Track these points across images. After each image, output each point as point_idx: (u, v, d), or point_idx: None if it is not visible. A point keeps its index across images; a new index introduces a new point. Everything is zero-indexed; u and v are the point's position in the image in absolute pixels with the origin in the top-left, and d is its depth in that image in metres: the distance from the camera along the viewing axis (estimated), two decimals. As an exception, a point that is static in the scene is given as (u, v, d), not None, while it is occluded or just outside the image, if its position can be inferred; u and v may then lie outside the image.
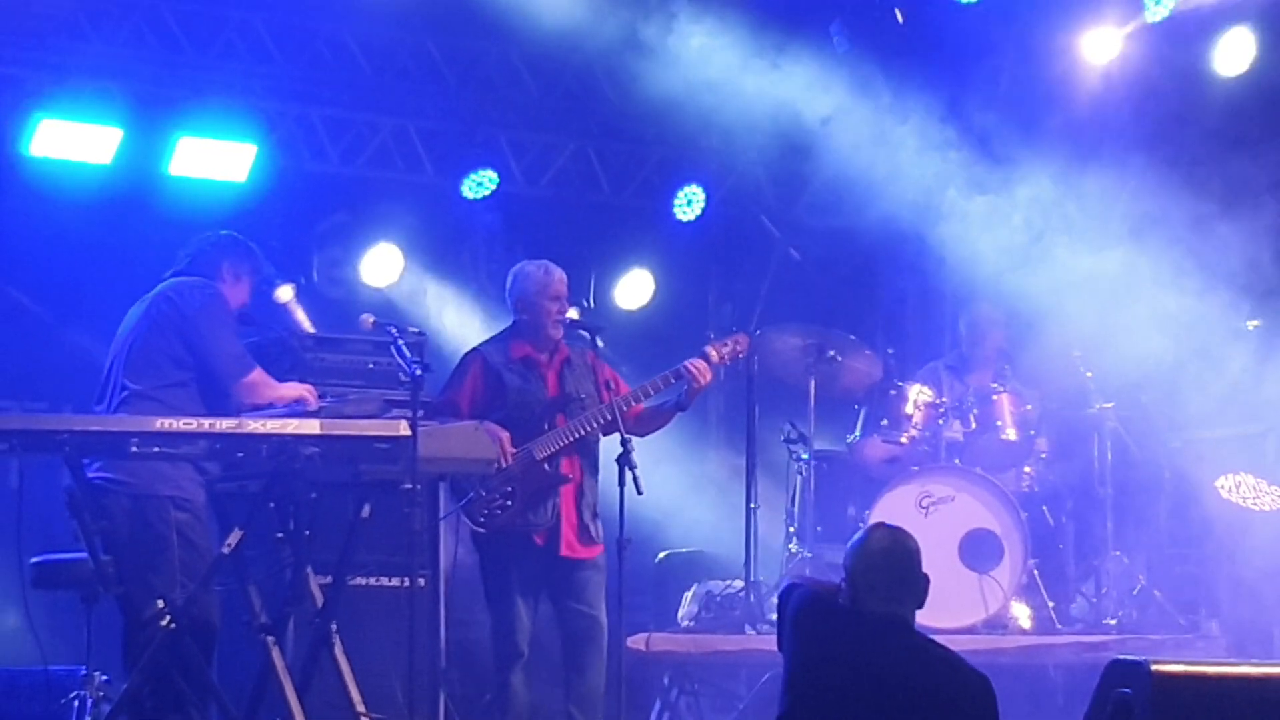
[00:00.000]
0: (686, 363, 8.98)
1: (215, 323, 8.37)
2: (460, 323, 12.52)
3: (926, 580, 5.82)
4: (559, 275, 9.04)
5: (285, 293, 9.70)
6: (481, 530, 8.78)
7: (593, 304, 13.00)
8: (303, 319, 9.73)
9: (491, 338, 9.23)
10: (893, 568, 5.76)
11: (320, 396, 8.53)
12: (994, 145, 11.69)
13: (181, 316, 8.34)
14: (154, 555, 8.05)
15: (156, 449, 7.65)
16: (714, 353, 9.20)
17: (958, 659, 5.69)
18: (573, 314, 9.06)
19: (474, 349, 9.17)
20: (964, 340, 11.68)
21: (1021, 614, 10.66)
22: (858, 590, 5.74)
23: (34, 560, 8.20)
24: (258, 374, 8.35)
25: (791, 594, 5.99)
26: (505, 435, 8.64)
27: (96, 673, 8.20)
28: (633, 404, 8.93)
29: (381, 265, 12.53)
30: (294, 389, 8.36)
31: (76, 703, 8.27)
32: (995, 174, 11.71)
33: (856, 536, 5.90)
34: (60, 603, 8.58)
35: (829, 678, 5.62)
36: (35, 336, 11.07)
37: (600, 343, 8.99)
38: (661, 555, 11.85)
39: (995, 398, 10.98)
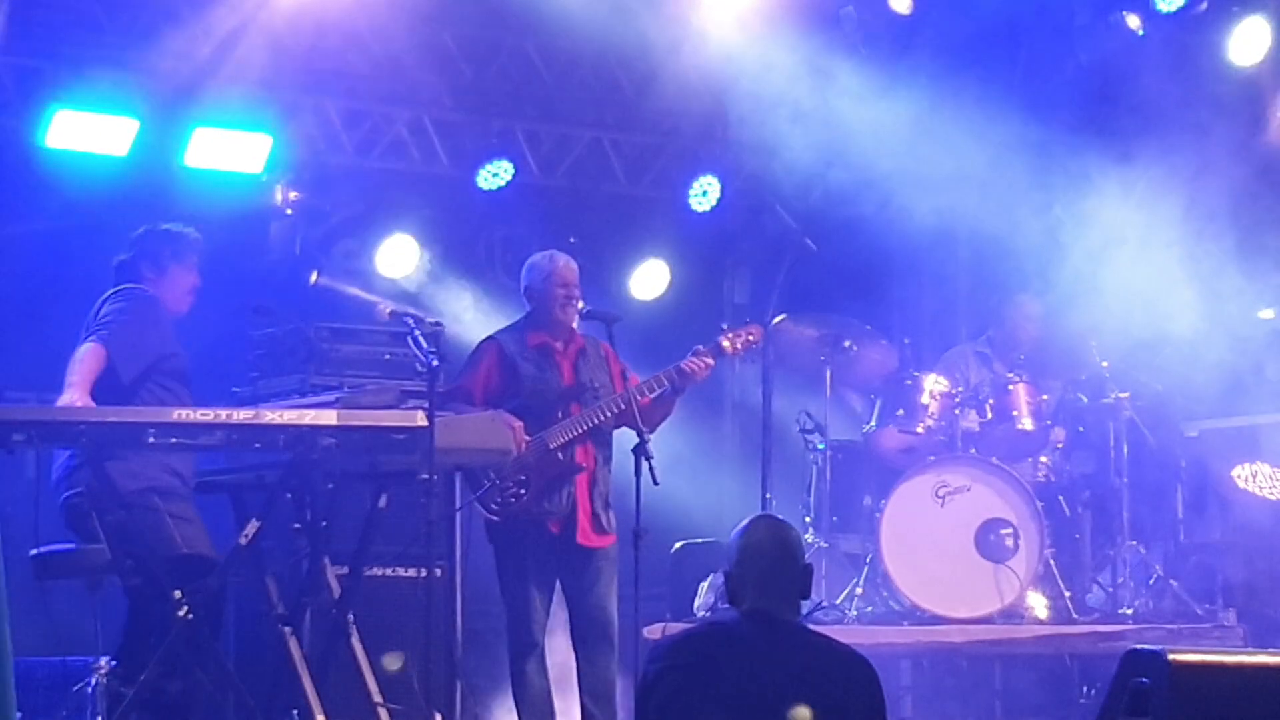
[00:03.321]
0: (685, 364, 8.95)
1: (123, 307, 8.39)
2: (476, 313, 12.51)
3: (808, 571, 5.71)
4: (563, 262, 9.03)
5: (313, 276, 9.71)
6: (495, 519, 8.79)
7: (613, 289, 13.03)
8: (358, 293, 9.71)
9: (508, 326, 9.23)
10: (769, 561, 5.67)
11: (336, 387, 8.54)
12: (1007, 133, 11.68)
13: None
14: (158, 542, 8.04)
15: (173, 440, 7.67)
16: (728, 342, 9.20)
17: (838, 645, 5.63)
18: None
19: (490, 336, 9.17)
20: (1003, 329, 11.65)
21: (1038, 604, 10.67)
22: (735, 584, 5.70)
23: (33, 553, 8.12)
24: (93, 354, 8.21)
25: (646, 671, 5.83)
26: (518, 425, 8.64)
27: (104, 658, 8.22)
28: (644, 396, 8.92)
29: (397, 256, 12.52)
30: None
31: (89, 690, 8.28)
32: (1008, 163, 11.70)
33: (735, 530, 5.80)
34: (78, 593, 8.58)
35: (705, 697, 5.52)
36: (50, 328, 11.08)
37: (574, 321, 8.99)
38: (677, 545, 11.83)
39: (1011, 388, 10.99)
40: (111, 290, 8.52)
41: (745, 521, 5.82)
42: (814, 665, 5.53)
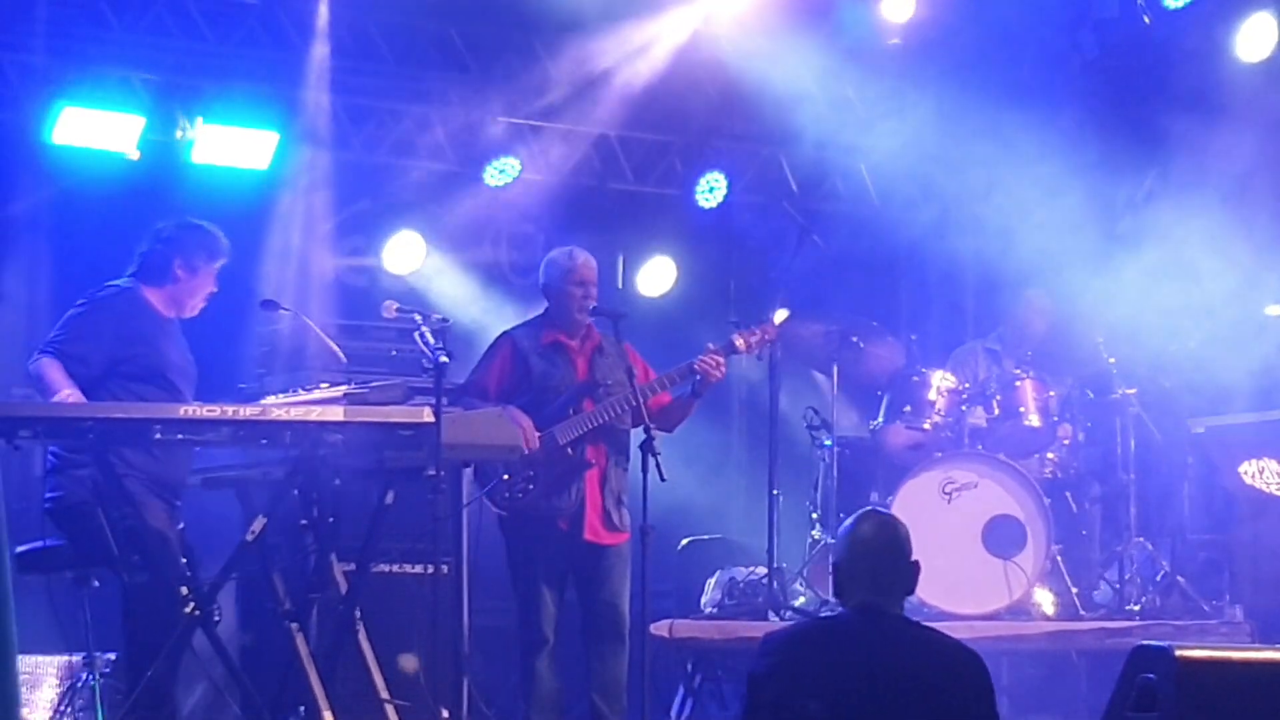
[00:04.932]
0: (699, 361, 8.92)
1: (75, 314, 8.34)
2: (481, 310, 12.51)
3: (916, 567, 5.75)
4: (582, 260, 9.00)
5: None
6: (504, 514, 8.78)
7: (620, 285, 13.02)
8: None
9: (525, 322, 9.20)
10: (879, 556, 5.69)
11: (343, 384, 8.53)
12: (1012, 129, 11.67)
13: None
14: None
15: (180, 436, 7.67)
16: (741, 341, 9.17)
17: (947, 639, 5.67)
18: None
19: (505, 332, 9.16)
20: (1012, 325, 11.63)
21: (1045, 600, 10.66)
22: (844, 579, 5.71)
23: (18, 550, 8.04)
24: (47, 364, 8.16)
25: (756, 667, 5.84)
26: (528, 421, 8.63)
27: (98, 653, 8.21)
28: (655, 393, 8.88)
29: (404, 252, 12.52)
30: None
31: (89, 686, 8.27)
32: (1014, 158, 11.69)
33: (845, 525, 5.84)
34: (75, 589, 8.55)
35: (817, 692, 5.54)
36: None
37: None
38: (685, 542, 11.85)
39: (1018, 384, 10.97)
40: (113, 286, 8.49)
41: (853, 516, 5.86)
42: (924, 659, 5.58)
